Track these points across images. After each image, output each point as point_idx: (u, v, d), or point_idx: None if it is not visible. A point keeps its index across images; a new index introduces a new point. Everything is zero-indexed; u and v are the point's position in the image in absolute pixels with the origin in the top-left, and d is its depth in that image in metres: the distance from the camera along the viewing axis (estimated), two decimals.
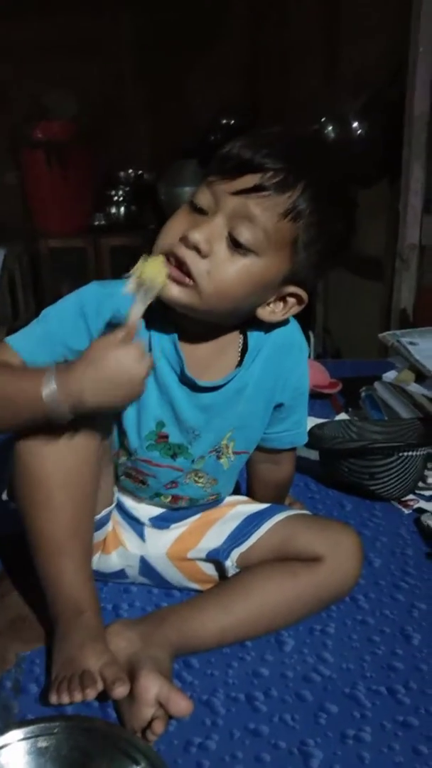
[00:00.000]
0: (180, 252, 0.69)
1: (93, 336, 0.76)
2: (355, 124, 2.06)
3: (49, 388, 0.65)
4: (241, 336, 0.80)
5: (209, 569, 0.88)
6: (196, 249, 0.68)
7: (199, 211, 0.70)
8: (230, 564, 0.85)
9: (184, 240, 0.68)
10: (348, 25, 2.59)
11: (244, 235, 0.68)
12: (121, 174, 3.59)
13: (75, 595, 0.75)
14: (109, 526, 0.88)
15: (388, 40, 2.17)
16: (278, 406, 0.85)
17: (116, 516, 0.89)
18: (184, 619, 0.78)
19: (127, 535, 0.89)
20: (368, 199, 2.34)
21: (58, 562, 0.75)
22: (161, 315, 0.75)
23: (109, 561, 0.89)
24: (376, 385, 1.39)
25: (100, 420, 0.75)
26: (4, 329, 3.07)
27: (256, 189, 0.66)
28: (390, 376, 1.33)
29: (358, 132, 2.07)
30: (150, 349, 0.77)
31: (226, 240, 0.68)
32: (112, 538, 0.88)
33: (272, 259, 0.70)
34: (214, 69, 3.54)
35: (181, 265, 0.69)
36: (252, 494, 0.96)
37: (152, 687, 0.66)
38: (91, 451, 0.75)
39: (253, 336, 0.80)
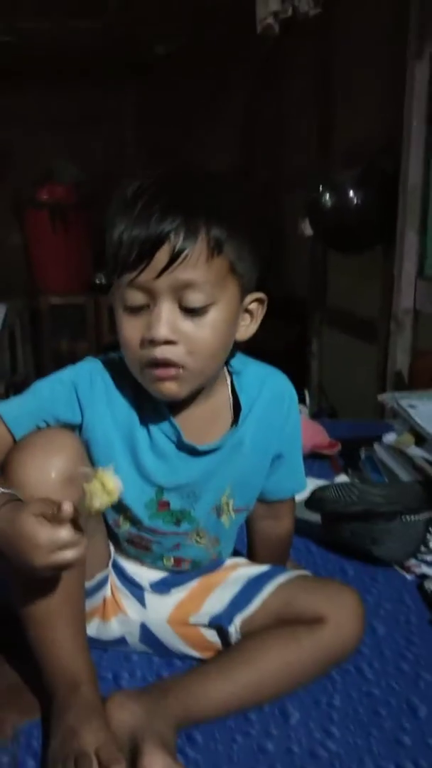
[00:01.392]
0: (157, 354, 0.69)
1: (84, 409, 0.77)
2: (351, 193, 2.14)
3: None
4: (232, 395, 0.81)
5: (211, 636, 0.86)
6: (168, 342, 0.68)
7: (138, 309, 0.69)
8: (233, 630, 0.83)
9: (153, 342, 0.68)
10: (341, 99, 2.73)
11: (194, 300, 0.68)
12: None
13: (70, 666, 0.74)
14: (107, 592, 0.87)
15: (381, 113, 2.28)
16: (276, 457, 0.85)
17: (115, 581, 0.87)
18: (188, 690, 0.76)
19: (127, 601, 0.87)
20: (362, 263, 2.42)
21: (51, 632, 0.74)
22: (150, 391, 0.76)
23: (109, 628, 0.87)
24: (376, 446, 1.39)
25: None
26: (2, 383, 3.09)
27: (174, 258, 0.65)
28: (390, 438, 1.34)
29: (354, 201, 2.14)
30: (144, 425, 0.78)
31: (182, 315, 0.69)
32: (112, 604, 0.87)
33: (227, 295, 0.70)
34: (212, 140, 3.71)
35: (166, 363, 0.69)
36: (253, 555, 0.95)
37: (157, 764, 0.64)
38: None
39: (244, 393, 0.81)
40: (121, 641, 0.88)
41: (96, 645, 0.86)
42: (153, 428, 0.78)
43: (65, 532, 0.62)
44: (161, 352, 0.69)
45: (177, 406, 0.78)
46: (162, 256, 0.66)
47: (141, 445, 0.78)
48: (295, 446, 0.87)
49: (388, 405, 1.38)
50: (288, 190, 3.31)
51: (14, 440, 0.76)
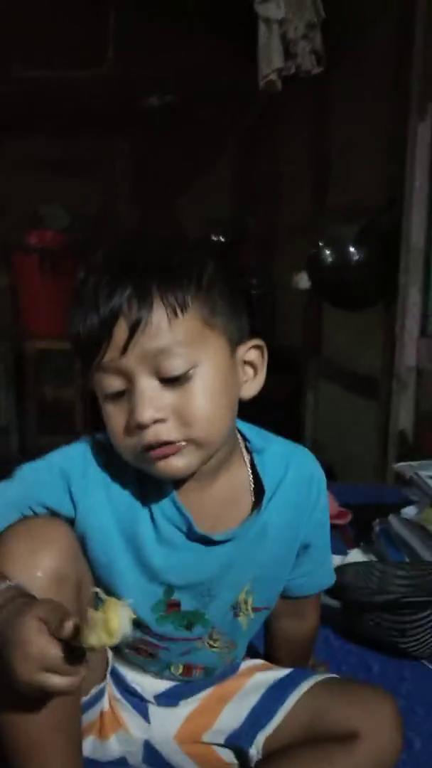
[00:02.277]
0: (150, 438, 0.60)
1: (77, 502, 0.66)
2: (352, 250, 2.10)
3: None
4: (252, 476, 0.71)
5: (227, 755, 0.74)
6: (157, 421, 0.60)
7: (119, 395, 0.61)
8: (255, 752, 0.71)
9: (141, 427, 0.60)
10: (338, 155, 2.73)
11: (171, 368, 0.59)
12: None
13: None
14: (105, 705, 0.75)
15: (380, 170, 2.28)
16: (303, 547, 0.75)
17: (115, 693, 0.75)
18: None
19: (128, 716, 0.75)
20: (361, 318, 2.37)
21: (41, 762, 0.62)
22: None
23: (107, 747, 0.74)
24: (391, 519, 1.29)
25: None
26: None
27: (133, 328, 0.58)
28: (409, 512, 1.24)
29: (355, 257, 2.10)
30: (149, 513, 0.67)
31: (164, 387, 0.60)
32: (111, 719, 0.75)
33: (210, 352, 0.61)
34: (206, 191, 3.71)
35: (162, 444, 0.60)
36: (271, 656, 0.83)
37: None
38: None
39: (268, 475, 0.71)
40: (121, 761, 0.76)
41: (91, 766, 0.73)
42: (159, 517, 0.67)
43: (59, 653, 0.51)
44: (154, 434, 0.60)
45: (186, 489, 0.67)
46: (120, 331, 0.59)
47: (145, 537, 0.67)
48: (324, 535, 0.77)
49: (407, 475, 1.29)
50: (282, 244, 3.30)
51: None
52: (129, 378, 0.60)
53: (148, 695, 0.74)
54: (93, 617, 0.50)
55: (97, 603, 0.55)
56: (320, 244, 2.15)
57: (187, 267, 0.61)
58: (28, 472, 0.68)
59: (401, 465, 1.35)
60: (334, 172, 2.77)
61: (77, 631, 0.50)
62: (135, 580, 0.67)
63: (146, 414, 0.59)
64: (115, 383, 0.61)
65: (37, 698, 0.58)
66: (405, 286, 2.03)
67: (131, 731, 0.74)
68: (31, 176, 3.46)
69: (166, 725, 0.74)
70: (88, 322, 0.60)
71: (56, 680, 0.52)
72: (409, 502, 1.33)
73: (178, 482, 0.66)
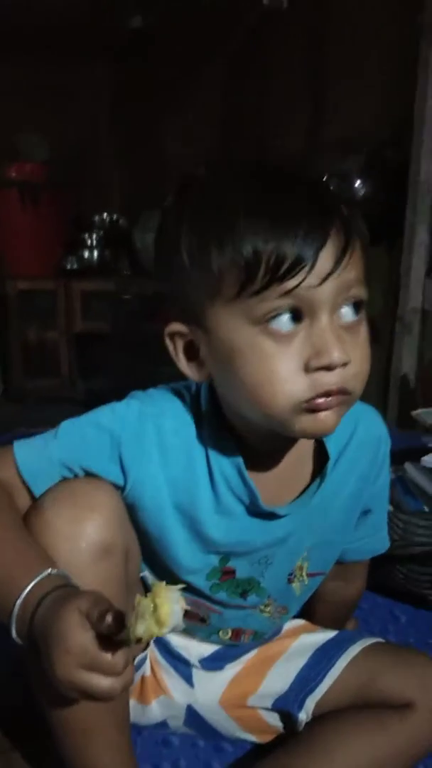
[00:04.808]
0: (333, 382, 0.51)
1: (128, 470, 0.59)
2: (358, 183, 2.01)
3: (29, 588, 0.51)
4: (314, 440, 0.65)
5: (273, 719, 0.72)
6: (344, 364, 0.52)
7: (288, 329, 0.52)
8: (305, 716, 0.69)
9: (329, 368, 0.51)
10: (340, 80, 2.57)
11: (360, 295, 0.53)
12: (95, 218, 3.47)
13: None
14: (146, 670, 0.72)
15: (383, 98, 2.15)
16: (363, 513, 0.71)
17: (157, 657, 0.72)
18: None
19: (171, 680, 0.72)
20: None
21: (91, 748, 0.59)
22: (218, 432, 0.60)
23: (148, 712, 0.72)
24: (408, 467, 1.27)
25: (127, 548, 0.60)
26: None
27: (342, 255, 0.50)
28: (430, 461, 1.21)
29: (361, 192, 2.01)
30: (210, 482, 0.62)
31: (340, 327, 0.52)
32: (152, 684, 0.72)
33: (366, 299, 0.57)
34: (190, 117, 3.51)
35: (339, 392, 0.52)
36: (312, 616, 0.80)
37: None
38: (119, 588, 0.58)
39: (332, 439, 0.65)
40: (162, 725, 0.74)
41: (132, 730, 0.71)
42: (221, 486, 0.61)
43: (102, 648, 0.46)
44: (339, 379, 0.51)
45: (254, 457, 0.61)
46: (327, 256, 0.50)
47: (203, 507, 0.62)
48: (384, 500, 0.73)
49: (426, 423, 1.26)
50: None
51: (32, 495, 0.60)
52: (312, 310, 0.51)
53: (193, 659, 0.72)
54: (140, 604, 0.44)
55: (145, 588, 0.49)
56: (324, 176, 2.04)
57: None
58: (72, 430, 0.61)
59: (420, 412, 1.31)
60: (332, 100, 2.62)
61: (121, 623, 0.45)
62: (188, 549, 0.63)
63: (340, 353, 0.51)
64: (288, 316, 0.52)
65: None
66: (412, 224, 1.95)
67: (173, 696, 0.72)
68: (5, 105, 3.23)
69: (210, 689, 0.72)
70: (286, 244, 0.50)
71: (98, 681, 0.46)
72: (422, 449, 1.30)
73: (249, 450, 0.61)
